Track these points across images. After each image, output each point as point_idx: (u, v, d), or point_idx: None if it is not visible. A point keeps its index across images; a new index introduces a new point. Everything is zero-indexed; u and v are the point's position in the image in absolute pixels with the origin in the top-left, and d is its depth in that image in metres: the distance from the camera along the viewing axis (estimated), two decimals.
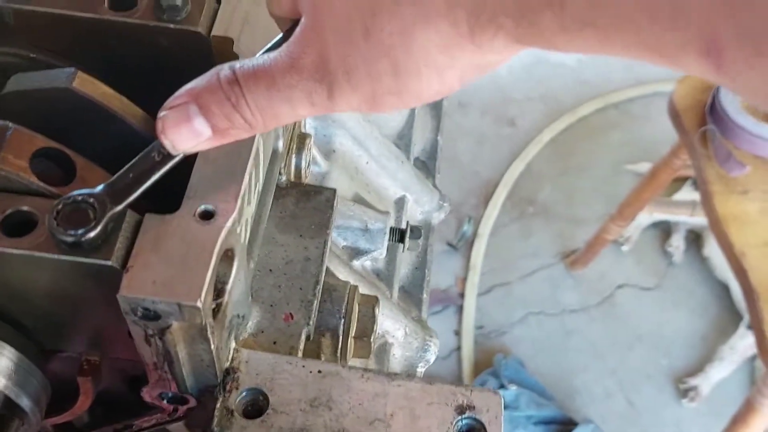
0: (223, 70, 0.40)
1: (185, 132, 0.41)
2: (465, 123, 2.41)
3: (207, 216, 0.45)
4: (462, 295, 2.08)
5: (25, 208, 0.44)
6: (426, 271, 0.80)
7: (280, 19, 0.43)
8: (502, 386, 1.84)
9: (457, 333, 2.02)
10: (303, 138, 0.63)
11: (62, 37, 0.55)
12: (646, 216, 2.08)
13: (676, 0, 0.28)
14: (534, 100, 2.47)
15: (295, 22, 0.40)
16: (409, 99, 0.37)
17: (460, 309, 2.06)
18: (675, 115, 1.58)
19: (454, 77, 0.36)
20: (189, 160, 0.46)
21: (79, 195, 0.43)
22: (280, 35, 0.42)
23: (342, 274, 0.67)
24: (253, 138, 0.48)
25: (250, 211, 0.51)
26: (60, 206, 0.43)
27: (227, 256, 0.46)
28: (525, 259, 2.16)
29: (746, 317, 1.97)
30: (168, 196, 0.46)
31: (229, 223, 0.45)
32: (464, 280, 2.10)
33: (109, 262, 0.43)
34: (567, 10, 0.31)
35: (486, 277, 2.11)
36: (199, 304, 0.42)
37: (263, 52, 0.42)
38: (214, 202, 0.45)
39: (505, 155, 2.34)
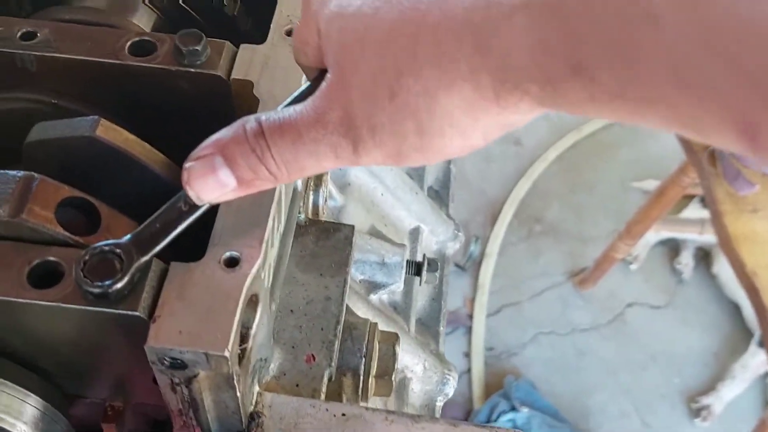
0: (249, 122, 0.40)
1: (211, 183, 0.41)
2: None
3: (232, 263, 0.45)
4: (471, 316, 2.07)
5: (51, 258, 0.45)
6: (442, 302, 0.80)
7: (307, 68, 0.43)
8: (513, 408, 1.83)
9: (467, 355, 2.01)
10: (320, 175, 0.64)
11: (84, 83, 0.55)
12: (654, 234, 2.08)
13: (711, 78, 0.28)
14: (539, 118, 2.44)
15: (322, 72, 0.41)
16: (433, 156, 0.37)
17: (469, 330, 2.05)
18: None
19: (478, 136, 0.36)
20: (213, 206, 0.46)
21: (106, 245, 0.43)
22: (307, 84, 0.43)
23: (361, 310, 0.67)
24: None
25: (273, 254, 0.51)
26: (87, 257, 0.43)
27: (251, 301, 0.46)
28: (534, 279, 2.15)
29: (757, 334, 1.96)
30: (191, 241, 0.46)
31: (254, 270, 0.45)
32: (473, 300, 2.10)
33: (137, 313, 0.43)
34: (596, 83, 0.31)
35: (495, 297, 2.11)
36: (226, 353, 0.42)
37: (289, 102, 0.42)
38: (238, 248, 0.46)
39: (512, 174, 2.35)
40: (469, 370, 1.99)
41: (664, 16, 0.28)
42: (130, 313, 0.43)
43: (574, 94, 0.32)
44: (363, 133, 0.37)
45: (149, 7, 0.64)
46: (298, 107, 0.39)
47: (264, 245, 0.46)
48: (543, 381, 1.96)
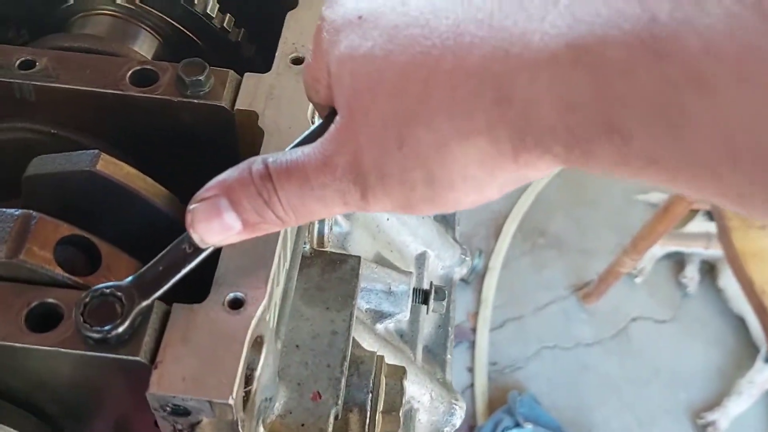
0: (256, 163, 0.38)
1: (215, 226, 0.39)
2: None
3: (236, 305, 0.43)
4: (474, 331, 2.06)
5: (50, 300, 0.43)
6: (449, 329, 0.78)
7: (319, 105, 0.41)
8: (517, 424, 1.81)
9: (471, 370, 1.99)
10: None
11: (84, 113, 0.54)
12: (660, 247, 2.06)
13: (761, 148, 0.25)
14: None
15: (334, 110, 0.39)
16: (444, 207, 0.36)
17: (472, 345, 2.03)
18: None
19: (492, 190, 0.34)
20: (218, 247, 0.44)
21: (107, 288, 0.42)
22: (320, 122, 0.41)
23: (367, 341, 0.65)
24: None
25: (278, 292, 0.49)
26: (87, 299, 0.41)
27: (256, 342, 0.45)
28: (537, 292, 2.14)
29: (764, 349, 1.94)
30: (194, 280, 0.45)
31: (259, 312, 0.43)
32: (476, 315, 2.08)
33: (138, 358, 0.41)
34: (631, 145, 0.28)
35: (498, 311, 2.09)
36: (231, 401, 0.40)
37: (300, 140, 0.41)
38: (243, 289, 0.44)
39: None
40: (472, 385, 1.97)
41: (714, 80, 0.25)
42: (131, 358, 0.41)
43: (604, 156, 0.29)
44: (372, 181, 0.35)
45: (151, 33, 0.63)
46: (307, 149, 0.37)
47: (269, 285, 0.45)
48: (546, 396, 1.94)
